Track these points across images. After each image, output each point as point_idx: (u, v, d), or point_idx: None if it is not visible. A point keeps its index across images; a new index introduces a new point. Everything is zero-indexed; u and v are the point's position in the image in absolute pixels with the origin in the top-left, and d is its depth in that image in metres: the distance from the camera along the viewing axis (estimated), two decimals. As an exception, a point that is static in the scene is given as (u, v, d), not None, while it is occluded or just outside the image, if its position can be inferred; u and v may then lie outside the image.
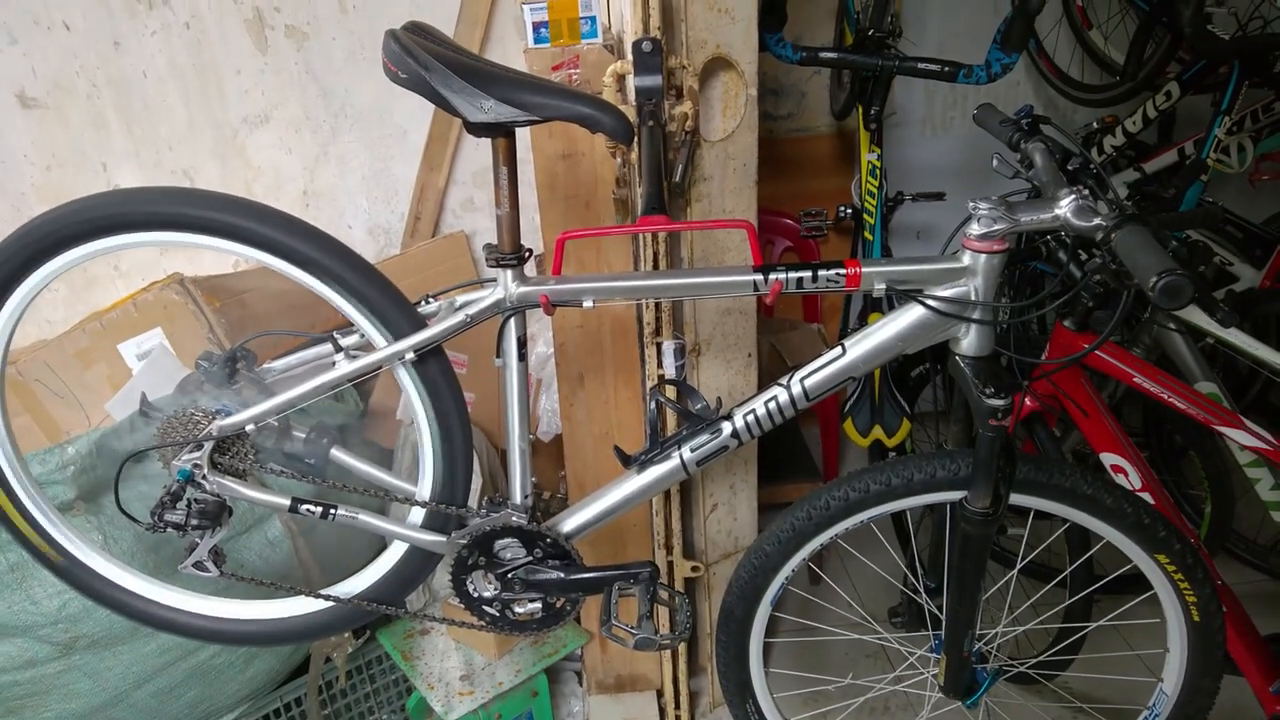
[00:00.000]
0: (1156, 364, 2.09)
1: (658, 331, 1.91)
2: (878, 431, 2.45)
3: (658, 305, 1.89)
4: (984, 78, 2.16)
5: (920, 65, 2.19)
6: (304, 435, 1.65)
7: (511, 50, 2.48)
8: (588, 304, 1.45)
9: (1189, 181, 2.49)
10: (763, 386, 1.54)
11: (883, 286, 1.42)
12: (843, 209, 2.55)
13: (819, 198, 2.86)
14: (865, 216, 2.40)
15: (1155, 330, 2.20)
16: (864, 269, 1.42)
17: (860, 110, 2.32)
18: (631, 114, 1.66)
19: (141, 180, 2.51)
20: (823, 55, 2.24)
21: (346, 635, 2.20)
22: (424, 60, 1.30)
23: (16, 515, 1.63)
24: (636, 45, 1.63)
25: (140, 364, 2.12)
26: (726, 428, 1.52)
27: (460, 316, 1.45)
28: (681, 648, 2.23)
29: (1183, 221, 2.38)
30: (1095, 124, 2.77)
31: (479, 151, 2.61)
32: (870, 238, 2.40)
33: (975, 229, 1.37)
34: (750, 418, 1.52)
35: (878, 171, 2.34)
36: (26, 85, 2.40)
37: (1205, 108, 2.57)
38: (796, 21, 2.86)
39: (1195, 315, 2.09)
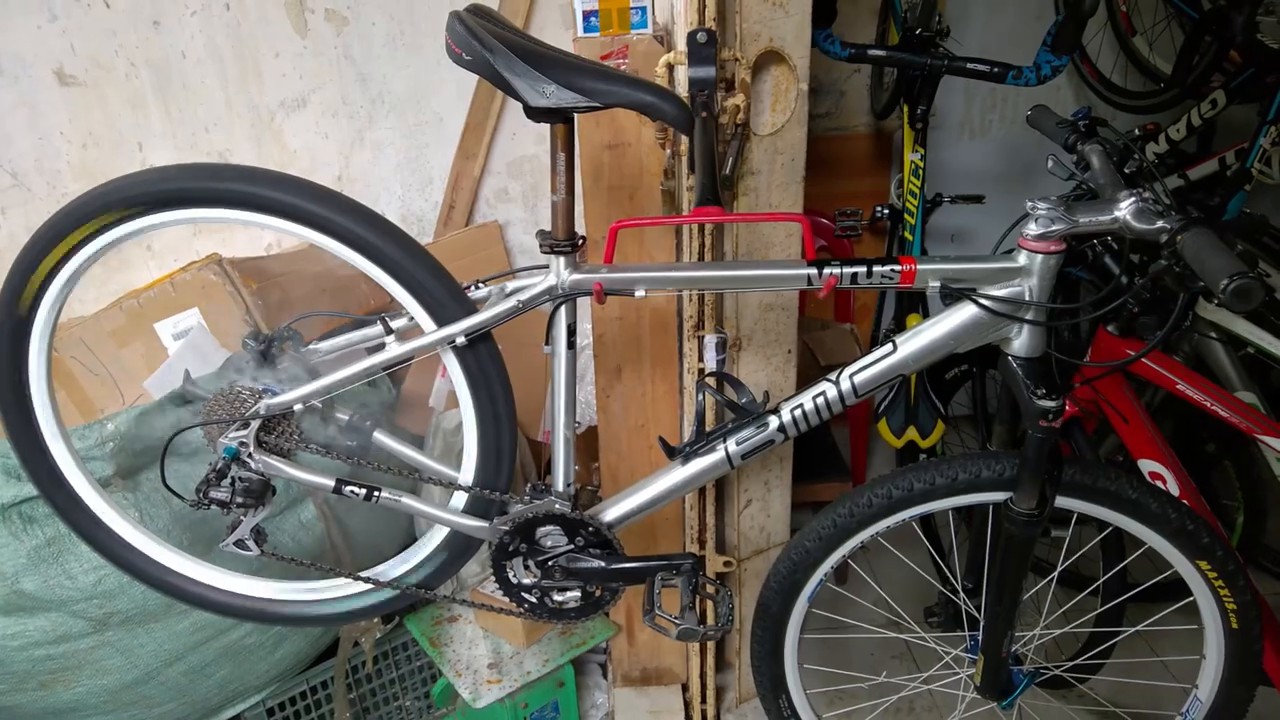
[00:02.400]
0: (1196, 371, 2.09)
1: (700, 325, 1.90)
2: (912, 433, 2.45)
3: (701, 299, 1.88)
4: (1033, 79, 2.15)
5: (969, 65, 2.18)
6: (347, 417, 1.65)
7: (551, 40, 2.45)
8: (640, 293, 1.44)
9: (1233, 191, 2.48)
10: (799, 384, 1.53)
11: (937, 284, 1.41)
12: (880, 209, 2.54)
13: (854, 197, 2.85)
14: (906, 217, 2.39)
15: (1195, 339, 2.19)
16: (919, 266, 1.41)
17: (906, 109, 2.32)
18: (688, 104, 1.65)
19: (178, 161, 2.51)
20: (871, 53, 2.23)
21: (375, 621, 2.20)
22: (488, 43, 1.29)
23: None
24: (691, 36, 1.62)
25: (177, 343, 2.12)
26: (773, 422, 1.52)
27: (512, 302, 1.44)
28: (713, 641, 2.23)
29: (1225, 230, 2.37)
30: (1137, 131, 2.75)
31: (515, 141, 2.61)
32: (910, 238, 2.39)
33: (1033, 229, 1.36)
34: (798, 412, 1.51)
35: (920, 171, 2.33)
36: (65, 63, 2.39)
37: (1246, 117, 2.56)
38: (838, 19, 2.85)
39: (1239, 324, 2.09)
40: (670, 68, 1.74)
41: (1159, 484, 1.95)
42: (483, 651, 2.21)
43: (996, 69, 2.16)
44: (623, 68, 1.86)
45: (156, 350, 2.15)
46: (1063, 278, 2.50)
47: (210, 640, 2.00)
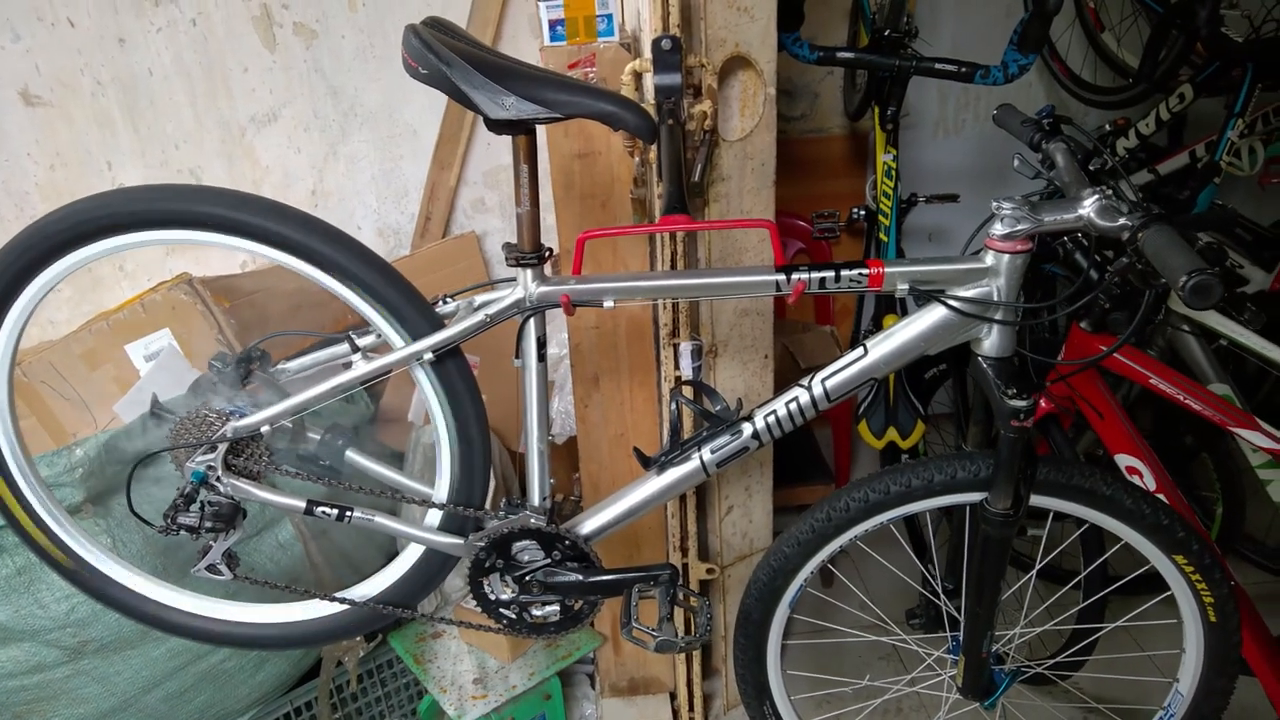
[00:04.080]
0: (1169, 365, 2.09)
1: (675, 333, 1.89)
2: (892, 433, 2.44)
3: (675, 306, 1.87)
4: (1001, 78, 2.15)
5: (937, 65, 2.18)
6: (319, 437, 1.64)
7: (524, 50, 2.46)
8: (609, 304, 1.43)
9: (1203, 184, 2.48)
10: (778, 388, 1.53)
11: (905, 287, 1.41)
12: (856, 210, 2.54)
13: (831, 199, 2.85)
14: (880, 218, 2.39)
15: (1169, 332, 2.19)
16: (887, 269, 1.40)
17: (876, 111, 2.31)
18: (652, 113, 1.65)
19: (147, 180, 2.49)
20: (840, 55, 2.22)
21: (358, 639, 2.18)
22: (445, 56, 1.28)
23: (25, 518, 1.61)
24: (656, 43, 1.61)
25: (148, 365, 2.10)
26: (747, 429, 1.51)
27: (479, 316, 1.43)
28: (695, 651, 2.22)
29: (1195, 224, 2.37)
30: (1107, 126, 2.75)
31: (490, 151, 2.59)
32: (885, 239, 2.39)
33: (999, 229, 1.36)
34: (771, 418, 1.51)
35: (893, 172, 2.33)
36: (30, 83, 2.37)
37: (1215, 110, 2.56)
38: (810, 22, 2.84)
39: (1211, 317, 2.10)
40: (637, 75, 1.73)
41: (1136, 478, 1.96)
42: (468, 667, 2.19)
43: (964, 69, 2.16)
44: (590, 76, 1.86)
45: (128, 372, 2.13)
46: (1039, 274, 2.53)
47: (188, 665, 1.98)
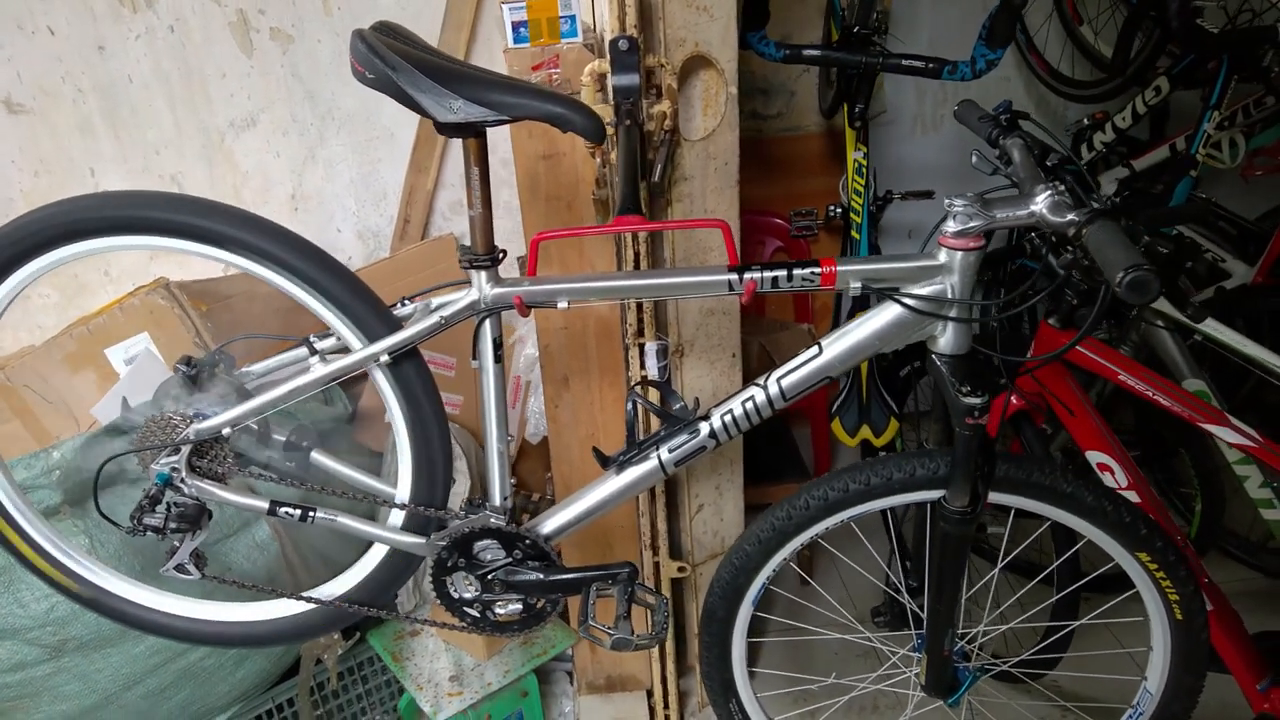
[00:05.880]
0: (1146, 361, 2.09)
1: (640, 332, 1.90)
2: (865, 431, 2.45)
3: (640, 306, 1.88)
4: (969, 74, 2.15)
5: (904, 62, 2.18)
6: (284, 439, 1.66)
7: (498, 52, 2.46)
8: (562, 305, 1.45)
9: (1177, 177, 2.47)
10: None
11: (858, 285, 1.41)
12: (833, 208, 2.54)
13: (810, 197, 2.85)
14: (852, 215, 2.39)
15: (1143, 327, 2.19)
16: (839, 267, 1.41)
17: (845, 108, 2.32)
18: (611, 113, 1.66)
19: (130, 186, 2.51)
20: (806, 53, 2.22)
21: (336, 637, 2.21)
22: (391, 60, 1.30)
23: (2, 522, 1.63)
24: (613, 44, 1.63)
25: (128, 369, 2.12)
26: (705, 428, 1.52)
27: (435, 319, 1.44)
28: (670, 648, 2.23)
29: (1171, 217, 2.37)
30: (1085, 120, 2.75)
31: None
32: (857, 236, 2.39)
33: (951, 225, 1.36)
34: (728, 418, 1.52)
35: (864, 170, 2.33)
36: (12, 90, 2.40)
37: (1196, 103, 2.55)
38: (786, 20, 2.85)
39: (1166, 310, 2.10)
40: (599, 76, 1.75)
41: (1106, 475, 1.95)
42: (444, 664, 2.21)
43: (931, 65, 2.16)
44: (554, 77, 1.87)
45: (109, 376, 2.15)
46: (1012, 270, 2.53)
47: (168, 663, 2.01)
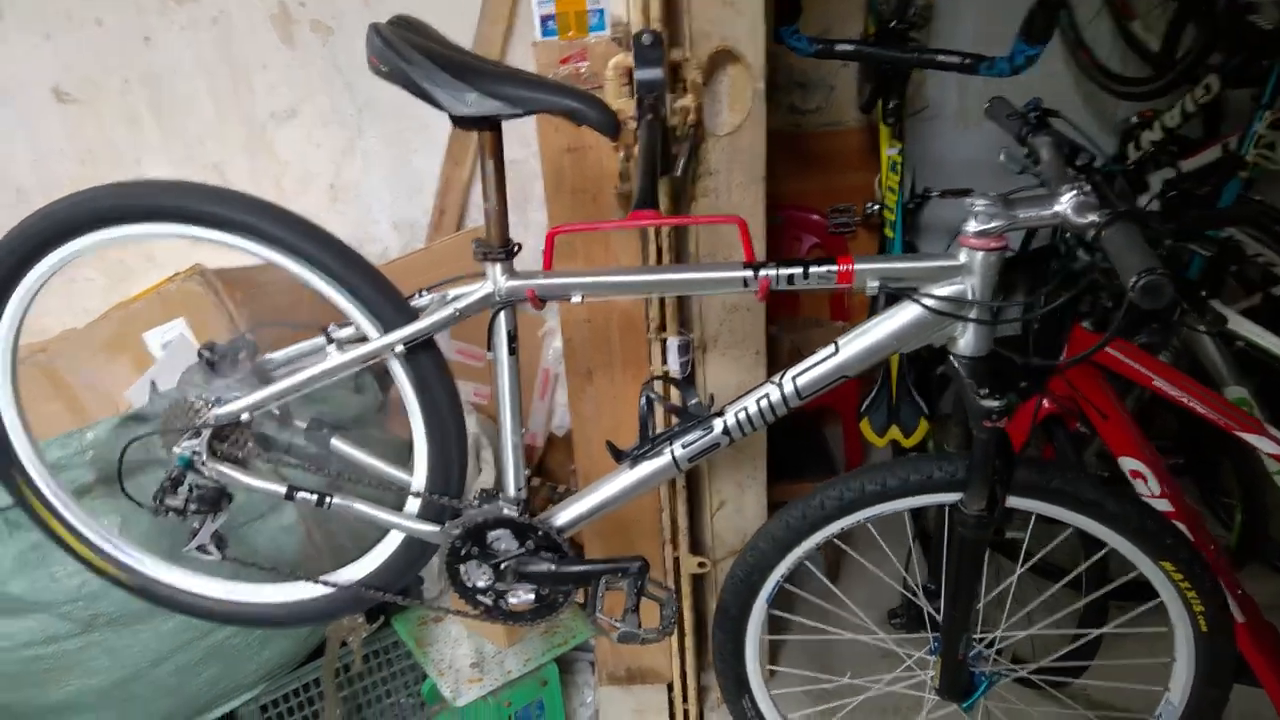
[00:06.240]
0: (1187, 368, 2.04)
1: (662, 327, 1.90)
2: (894, 432, 2.42)
3: (662, 301, 1.88)
4: (1006, 70, 2.11)
5: (939, 58, 2.14)
6: (305, 425, 1.68)
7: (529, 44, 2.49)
8: (575, 298, 1.45)
9: (1225, 178, 2.41)
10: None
11: (876, 284, 1.39)
12: (870, 205, 2.51)
13: (848, 193, 2.81)
14: (885, 213, 2.36)
15: (1184, 333, 2.14)
16: (857, 266, 1.39)
17: (880, 104, 2.29)
18: (634, 107, 1.65)
19: (173, 175, 2.56)
20: (838, 48, 2.19)
21: (361, 620, 2.23)
22: (406, 54, 1.31)
23: (34, 499, 1.68)
24: (636, 38, 1.62)
25: (162, 354, 2.16)
26: (718, 425, 1.51)
27: (449, 310, 1.46)
28: (691, 643, 2.23)
29: (1218, 219, 2.31)
30: (1133, 118, 2.69)
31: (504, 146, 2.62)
32: (890, 235, 2.36)
33: (972, 225, 1.34)
34: (742, 415, 1.51)
35: (898, 167, 2.30)
36: (61, 81, 2.46)
37: (1251, 102, 2.48)
38: (826, 13, 2.81)
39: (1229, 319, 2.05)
40: (626, 70, 1.74)
41: (1139, 482, 1.92)
42: (466, 651, 2.23)
43: (968, 60, 2.11)
44: (581, 71, 1.87)
45: (146, 360, 2.20)
46: (1043, 271, 2.48)
47: (196, 640, 2.04)
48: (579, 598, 1.63)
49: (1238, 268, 2.35)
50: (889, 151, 2.29)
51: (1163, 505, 1.89)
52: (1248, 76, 2.45)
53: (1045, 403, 2.03)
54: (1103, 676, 2.01)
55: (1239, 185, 2.41)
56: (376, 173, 2.65)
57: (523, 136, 2.44)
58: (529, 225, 2.50)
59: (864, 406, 2.47)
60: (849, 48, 2.21)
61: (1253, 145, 2.38)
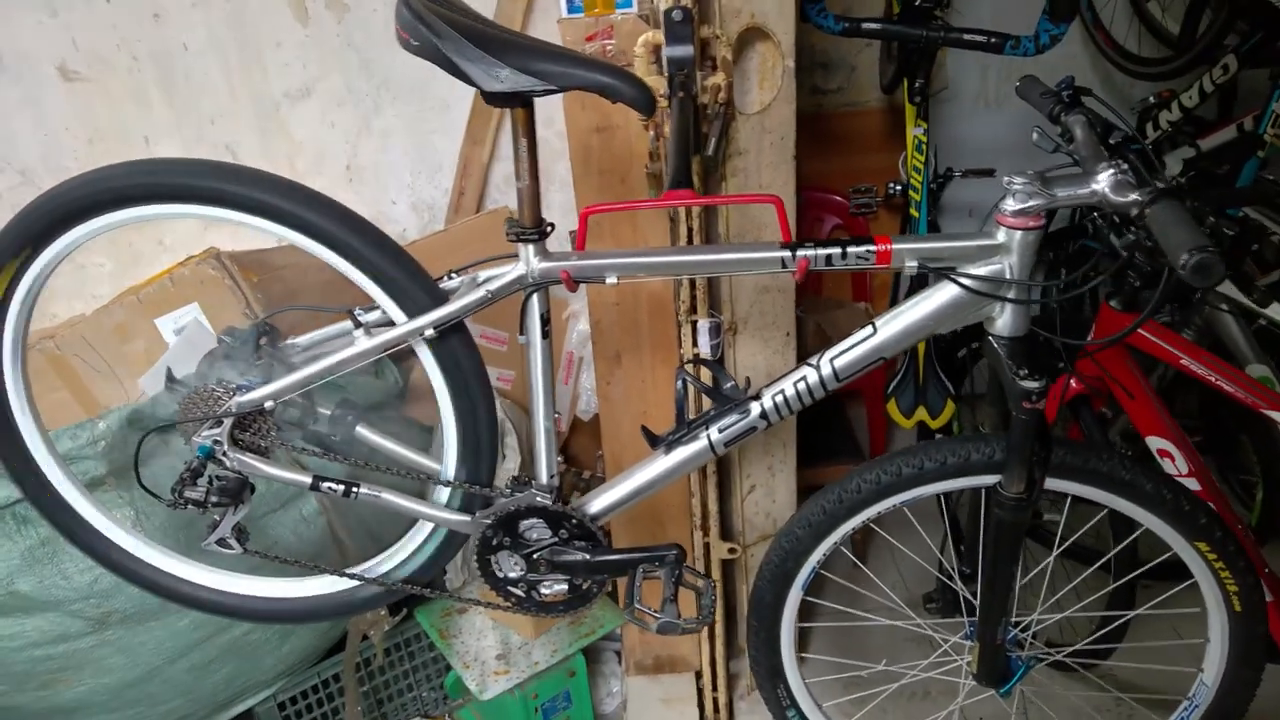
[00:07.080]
0: (1210, 346, 2.03)
1: (693, 309, 1.87)
2: (921, 413, 2.40)
3: (693, 283, 1.85)
4: (1032, 49, 2.09)
5: (966, 36, 2.12)
6: (329, 413, 1.65)
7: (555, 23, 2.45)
8: (610, 280, 1.41)
9: (1244, 158, 2.39)
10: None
11: (914, 264, 1.37)
12: (893, 185, 2.48)
13: (869, 174, 2.75)
14: (911, 193, 2.34)
15: (1206, 311, 2.13)
16: (895, 245, 1.37)
17: (905, 84, 2.26)
18: (664, 85, 1.62)
19: (184, 155, 2.52)
20: (865, 26, 2.16)
21: (383, 613, 2.20)
22: (437, 27, 1.27)
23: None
24: (667, 14, 1.59)
25: (176, 339, 2.13)
26: (755, 408, 1.49)
27: (481, 292, 1.42)
28: (720, 630, 2.21)
29: (1237, 198, 2.29)
30: (1151, 99, 2.66)
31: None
32: (916, 215, 2.34)
33: (1010, 204, 1.32)
34: (779, 398, 1.48)
35: (924, 147, 2.27)
36: (68, 58, 2.41)
37: (1269, 82, 2.46)
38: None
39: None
40: (655, 48, 1.70)
41: (1167, 461, 1.91)
42: (491, 643, 2.20)
43: (994, 39, 2.10)
44: (608, 48, 1.84)
45: (158, 346, 2.16)
46: (1076, 250, 2.45)
47: (212, 637, 2.00)
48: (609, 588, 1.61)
49: (1258, 246, 2.33)
50: (915, 131, 2.26)
51: (1192, 484, 1.87)
52: (1265, 56, 2.43)
53: (1073, 383, 2.01)
54: (1133, 659, 2.00)
55: (1256, 164, 2.39)
56: (394, 153, 2.61)
57: (548, 116, 2.42)
58: (549, 206, 2.46)
59: (891, 388, 2.46)
60: (875, 26, 2.18)
61: (1270, 124, 2.35)
